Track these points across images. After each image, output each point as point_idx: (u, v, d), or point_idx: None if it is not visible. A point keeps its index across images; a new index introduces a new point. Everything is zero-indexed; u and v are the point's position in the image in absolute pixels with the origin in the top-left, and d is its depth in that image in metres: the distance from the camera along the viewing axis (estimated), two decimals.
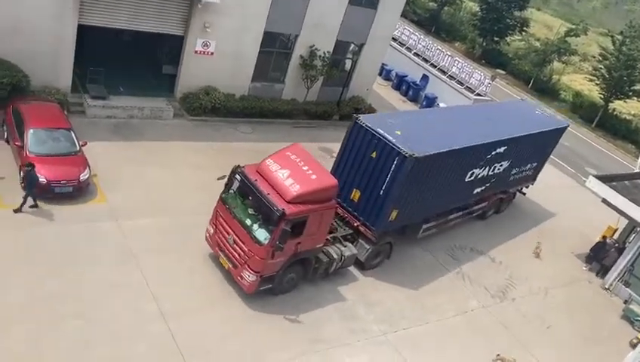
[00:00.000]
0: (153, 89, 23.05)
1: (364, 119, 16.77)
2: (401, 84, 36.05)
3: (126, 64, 23.52)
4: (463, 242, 21.05)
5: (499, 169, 20.29)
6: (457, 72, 34.32)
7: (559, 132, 23.95)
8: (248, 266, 14.12)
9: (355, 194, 16.95)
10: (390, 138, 16.01)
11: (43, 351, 11.84)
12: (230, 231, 14.62)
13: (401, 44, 37.42)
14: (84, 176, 16.31)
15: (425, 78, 35.16)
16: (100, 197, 16.77)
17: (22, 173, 15.61)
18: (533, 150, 22.12)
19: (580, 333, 18.61)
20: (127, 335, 12.74)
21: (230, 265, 14.70)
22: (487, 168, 19.50)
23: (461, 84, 33.59)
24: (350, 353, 14.58)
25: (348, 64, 27.77)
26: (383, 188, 16.16)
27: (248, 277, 14.17)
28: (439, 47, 37.39)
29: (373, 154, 16.26)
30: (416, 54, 36.56)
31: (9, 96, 18.24)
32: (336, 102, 27.51)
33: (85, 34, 19.97)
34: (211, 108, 22.95)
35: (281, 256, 14.17)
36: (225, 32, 22.59)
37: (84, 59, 20.54)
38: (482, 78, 33.55)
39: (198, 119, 22.90)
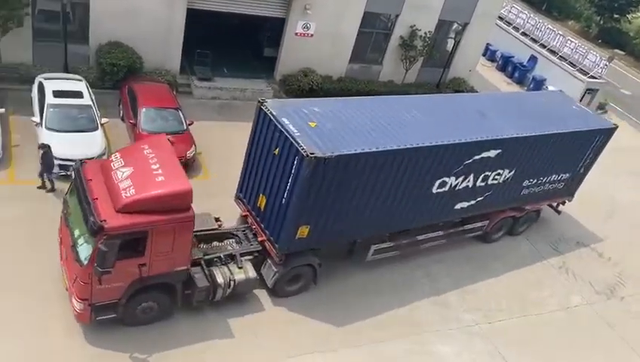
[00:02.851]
0: (255, 71, 23.78)
1: (270, 105, 13.06)
2: (507, 65, 34.32)
3: (230, 47, 24.42)
4: (567, 234, 19.80)
5: (495, 179, 15.71)
6: (569, 53, 32.09)
7: (602, 135, 17.74)
8: (75, 291, 11.14)
9: (262, 201, 13.48)
10: (293, 130, 12.18)
11: None
12: (65, 242, 11.75)
13: (508, 23, 35.56)
14: (190, 153, 17.23)
15: (533, 59, 33.20)
16: (205, 173, 17.66)
17: (40, 154, 15.01)
18: (558, 157, 16.90)
19: None
20: None
21: (67, 285, 11.69)
22: (472, 177, 15.02)
23: (573, 65, 31.36)
24: (442, 341, 14.34)
25: (450, 44, 26.85)
26: (285, 196, 12.54)
27: (76, 304, 11.19)
28: (550, 25, 35.07)
29: (276, 151, 12.69)
30: (524, 34, 34.61)
31: (125, 77, 19.68)
32: (436, 83, 26.78)
33: (193, 18, 20.92)
34: (309, 90, 23.23)
35: (118, 281, 11.00)
36: (325, 13, 22.68)
37: (192, 42, 21.57)
38: (597, 59, 31.10)
39: None
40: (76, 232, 11.15)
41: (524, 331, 15.39)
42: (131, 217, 10.57)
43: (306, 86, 23.10)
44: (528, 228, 19.09)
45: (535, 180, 17.14)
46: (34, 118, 16.25)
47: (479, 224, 17.21)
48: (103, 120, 16.94)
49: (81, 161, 11.79)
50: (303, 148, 11.68)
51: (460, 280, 16.36)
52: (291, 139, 12.05)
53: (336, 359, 13.07)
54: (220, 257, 12.94)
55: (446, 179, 14.47)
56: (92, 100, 17.21)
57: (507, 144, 15.05)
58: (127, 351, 11.71)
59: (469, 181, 15.05)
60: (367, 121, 13.43)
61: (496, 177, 15.70)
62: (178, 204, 10.99)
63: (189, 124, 18.04)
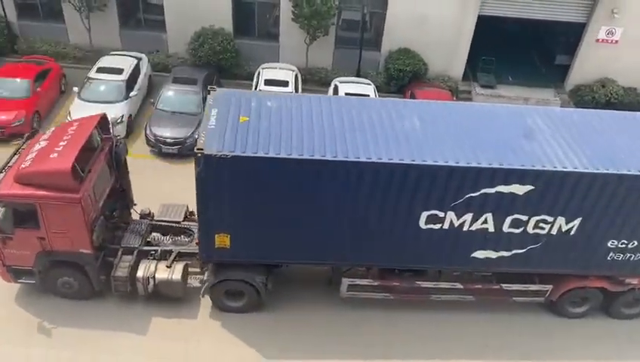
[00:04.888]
0: (542, 79, 22.24)
1: (214, 94, 11.54)
2: None
3: (517, 53, 23.29)
4: None
5: (540, 228, 11.28)
6: None
7: None
8: None
9: None
10: (209, 123, 10.58)
11: None
12: None
13: None
14: None
15: None
16: None
17: None
18: None
19: None
20: None
21: None
22: (490, 218, 11.09)
23: None
24: None
25: None
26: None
27: None
28: None
29: None
30: None
31: (409, 82, 20.53)
32: None
33: (479, 23, 20.56)
34: (606, 103, 20.66)
35: (23, 249, 11.53)
36: (637, 16, 19.83)
37: (476, 48, 21.25)
38: None
39: None
40: None
41: None
42: (21, 188, 10.90)
43: (603, 98, 20.63)
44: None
45: (632, 243, 11.70)
46: None
47: (534, 287, 12.72)
48: None
49: (33, 131, 12.80)
50: (199, 143, 10.19)
51: None
52: (200, 132, 10.61)
53: None
54: (155, 251, 12.31)
55: (438, 213, 10.96)
56: None
57: (545, 180, 10.59)
58: (40, 318, 12.13)
59: (485, 222, 11.17)
60: (329, 124, 10.93)
61: (541, 225, 11.29)
62: (61, 183, 10.78)
63: None
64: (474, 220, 11.09)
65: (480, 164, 10.40)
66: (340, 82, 19.49)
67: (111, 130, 12.33)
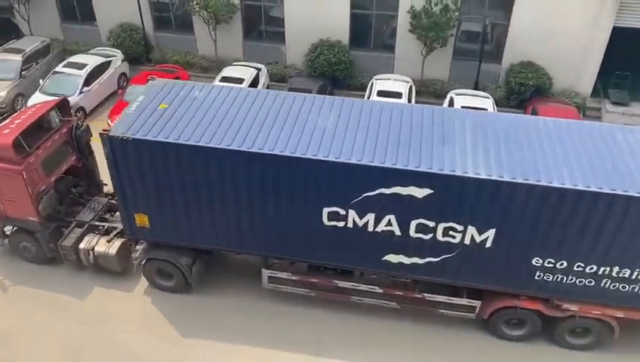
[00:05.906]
0: None
1: (150, 83, 12.29)
2: None
3: None
4: None
5: (450, 236, 10.61)
6: None
7: None
8: None
9: None
10: (129, 108, 11.36)
11: None
12: None
13: None
14: None
15: None
16: None
17: None
18: (608, 235, 9.98)
19: None
20: None
21: None
22: (394, 221, 10.62)
23: None
24: None
25: None
26: None
27: None
28: None
29: None
30: None
31: (531, 97, 19.45)
32: None
33: (614, 34, 19.00)
34: None
35: None
36: None
37: (608, 62, 19.63)
38: None
39: None
40: None
41: None
42: None
43: None
44: (597, 344, 11.70)
45: (560, 263, 10.59)
46: None
47: (460, 301, 11.80)
48: None
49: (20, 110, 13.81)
50: (109, 126, 11.17)
51: None
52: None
53: None
54: (103, 226, 13.27)
55: (339, 210, 10.75)
56: None
57: (442, 184, 10.01)
58: (2, 276, 13.55)
59: (390, 225, 10.74)
60: (242, 116, 11.08)
61: (451, 233, 10.62)
62: (5, 156, 11.90)
63: None
64: (377, 221, 10.78)
65: (371, 163, 10.10)
66: (457, 94, 18.90)
67: (72, 114, 13.52)
